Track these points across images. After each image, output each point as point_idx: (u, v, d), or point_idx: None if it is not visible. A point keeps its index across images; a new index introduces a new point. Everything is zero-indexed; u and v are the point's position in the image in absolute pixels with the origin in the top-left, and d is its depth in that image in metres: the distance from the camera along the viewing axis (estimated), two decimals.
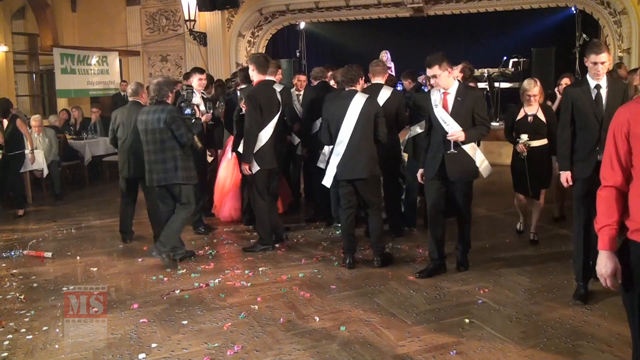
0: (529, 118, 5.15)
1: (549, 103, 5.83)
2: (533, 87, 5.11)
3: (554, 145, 4.68)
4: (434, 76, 4.35)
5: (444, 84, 4.38)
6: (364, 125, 4.73)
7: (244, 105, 5.68)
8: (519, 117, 5.22)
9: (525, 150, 5.13)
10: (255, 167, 5.23)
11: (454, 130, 4.34)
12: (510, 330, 3.57)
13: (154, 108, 5.04)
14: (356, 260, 4.98)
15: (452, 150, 4.46)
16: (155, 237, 5.53)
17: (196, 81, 6.09)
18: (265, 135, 5.23)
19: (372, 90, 5.25)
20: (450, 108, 4.39)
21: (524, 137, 5.11)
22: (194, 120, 5.42)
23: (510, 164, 5.51)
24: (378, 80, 5.45)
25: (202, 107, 6.01)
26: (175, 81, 5.41)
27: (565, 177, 4.07)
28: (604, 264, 2.17)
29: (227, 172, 6.55)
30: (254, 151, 5.21)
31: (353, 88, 4.89)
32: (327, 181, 5.00)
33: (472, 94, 4.54)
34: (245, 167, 5.25)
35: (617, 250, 2.18)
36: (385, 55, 7.16)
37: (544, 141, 5.17)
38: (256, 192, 5.35)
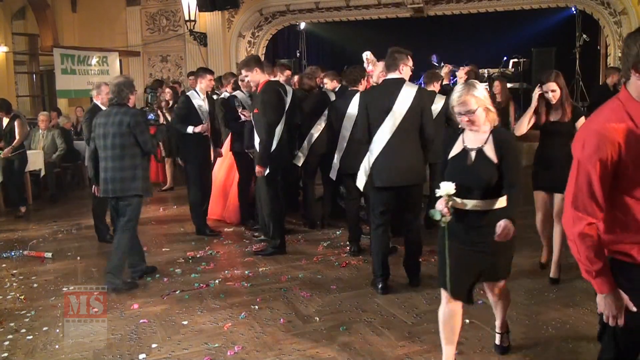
0: (470, 155, 2.82)
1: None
2: (464, 96, 2.78)
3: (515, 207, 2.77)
4: None
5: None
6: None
7: (243, 114, 5.72)
8: (452, 152, 2.90)
9: (447, 213, 2.71)
10: (267, 170, 5.20)
11: None
12: (511, 331, 3.57)
13: (115, 110, 4.52)
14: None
15: None
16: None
17: (205, 82, 6.06)
18: (276, 135, 5.19)
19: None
20: None
21: (446, 187, 2.70)
22: (158, 127, 5.12)
23: None
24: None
25: (205, 108, 6.02)
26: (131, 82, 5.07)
27: None
28: (616, 304, 1.95)
29: (224, 172, 6.57)
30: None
31: (355, 88, 5.13)
32: (333, 174, 5.54)
33: None
34: (260, 170, 5.16)
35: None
36: (369, 56, 7.00)
37: (496, 203, 2.78)
38: (267, 193, 5.29)
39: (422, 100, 4.25)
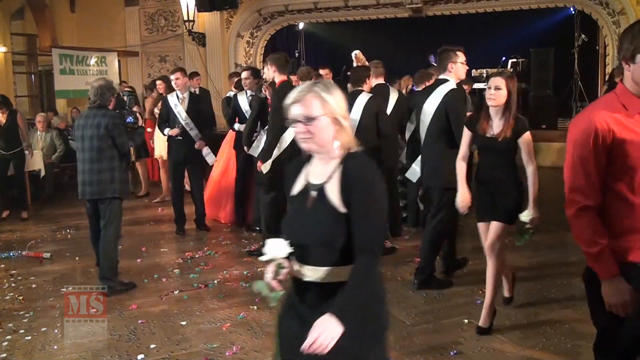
0: (310, 195, 1.86)
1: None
2: (305, 92, 1.85)
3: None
4: None
5: None
6: (367, 122, 4.95)
7: (268, 88, 5.53)
8: (294, 189, 1.95)
9: (278, 286, 1.86)
10: (266, 168, 5.12)
11: None
12: (510, 331, 3.57)
13: (94, 112, 4.52)
14: None
15: None
16: None
17: (174, 82, 6.02)
18: (288, 137, 5.04)
19: (381, 90, 5.51)
20: None
21: (277, 247, 1.85)
22: (137, 130, 5.04)
23: None
24: (380, 80, 5.59)
25: (179, 108, 5.98)
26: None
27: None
28: (621, 291, 1.91)
29: (220, 172, 6.56)
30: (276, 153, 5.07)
31: (359, 88, 5.13)
32: None
33: None
34: (259, 165, 5.16)
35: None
36: (358, 54, 6.94)
37: (348, 271, 1.75)
38: (267, 195, 5.25)
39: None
